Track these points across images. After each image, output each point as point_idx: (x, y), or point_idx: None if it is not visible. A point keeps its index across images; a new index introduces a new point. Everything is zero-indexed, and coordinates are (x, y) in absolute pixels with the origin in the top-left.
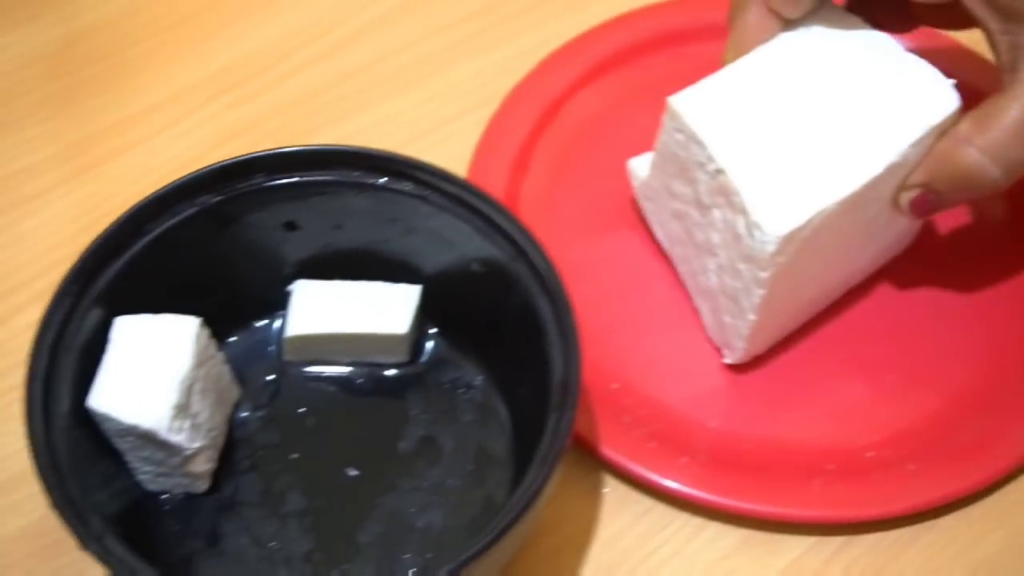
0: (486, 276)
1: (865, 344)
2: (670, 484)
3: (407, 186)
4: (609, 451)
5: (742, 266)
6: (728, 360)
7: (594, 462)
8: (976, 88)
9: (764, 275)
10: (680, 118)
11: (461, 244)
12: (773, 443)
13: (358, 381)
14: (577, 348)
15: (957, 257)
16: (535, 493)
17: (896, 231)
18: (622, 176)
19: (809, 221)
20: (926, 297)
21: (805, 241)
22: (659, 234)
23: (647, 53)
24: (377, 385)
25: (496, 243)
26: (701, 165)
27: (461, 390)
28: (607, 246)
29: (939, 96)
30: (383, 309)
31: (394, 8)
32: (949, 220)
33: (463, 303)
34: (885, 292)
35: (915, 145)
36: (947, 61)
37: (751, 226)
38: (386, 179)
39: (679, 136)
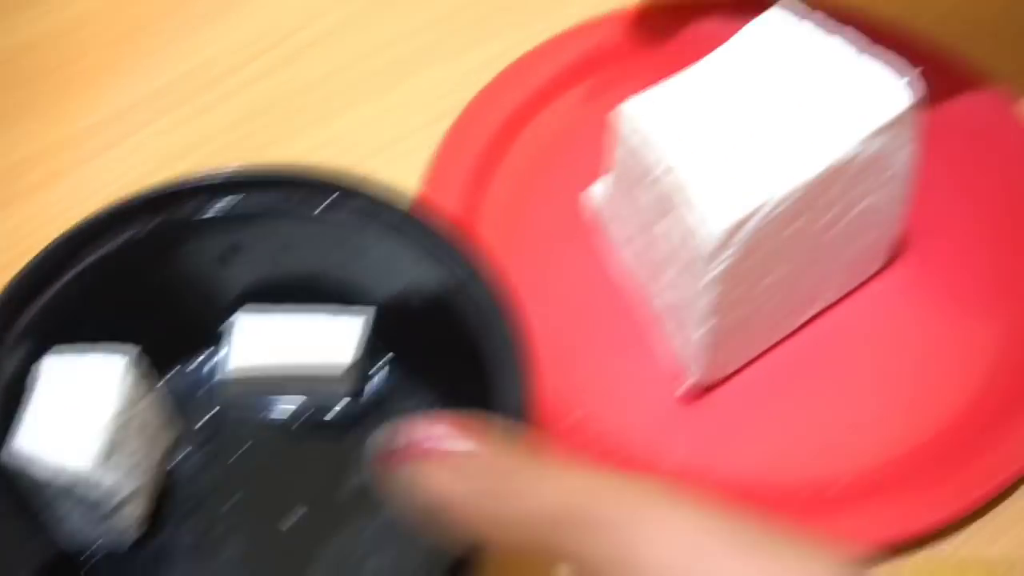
0: (438, 303)
1: (835, 370)
2: None
3: (353, 209)
4: None
5: (690, 271)
6: (689, 384)
7: None
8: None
9: (713, 273)
10: (632, 122)
11: (411, 270)
12: (735, 478)
13: (305, 416)
14: (528, 383)
15: (936, 278)
16: None
17: (864, 246)
18: (586, 192)
19: (753, 213)
20: (902, 320)
21: (752, 237)
22: (623, 253)
23: (622, 58)
24: (325, 420)
25: (446, 269)
26: (654, 168)
27: None
28: (569, 268)
29: (893, 93)
30: (328, 340)
31: (351, 17)
32: (927, 238)
33: (417, 330)
34: (859, 314)
35: (866, 142)
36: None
37: (697, 221)
38: (331, 201)
39: (632, 142)
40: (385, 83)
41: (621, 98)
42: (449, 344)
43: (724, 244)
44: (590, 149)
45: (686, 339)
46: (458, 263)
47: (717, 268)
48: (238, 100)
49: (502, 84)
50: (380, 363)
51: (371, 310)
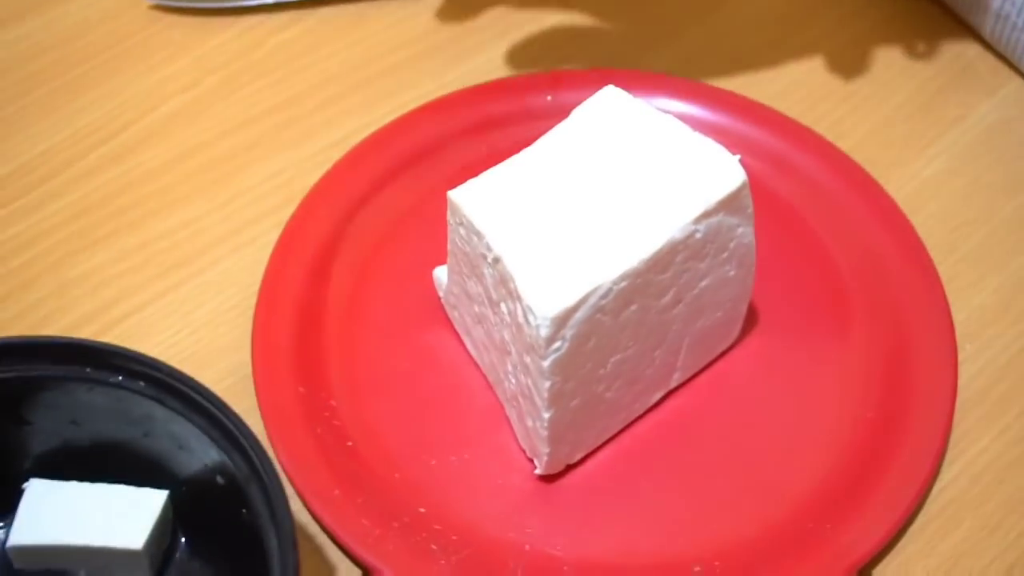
0: (227, 490)
1: (686, 450)
2: None
3: (141, 386)
4: None
5: (528, 359)
6: (539, 471)
7: None
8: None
9: (545, 364)
10: (459, 211)
11: (201, 453)
12: (592, 565)
13: None
14: None
15: (786, 354)
16: None
17: (711, 325)
18: (431, 279)
19: (582, 301)
20: (755, 397)
21: (584, 325)
22: (467, 343)
23: (461, 139)
24: None
25: (232, 457)
26: (484, 257)
27: None
28: (419, 355)
29: (724, 172)
30: (120, 519)
31: (187, 106)
32: (777, 312)
33: (213, 515)
34: (710, 392)
35: (698, 221)
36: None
37: (526, 311)
38: (121, 377)
39: (462, 230)
40: (227, 171)
41: (464, 176)
42: (241, 535)
43: (554, 334)
44: (437, 229)
45: (526, 428)
46: (244, 454)
47: (550, 358)
48: (73, 193)
49: (345, 168)
50: (183, 543)
51: (164, 494)
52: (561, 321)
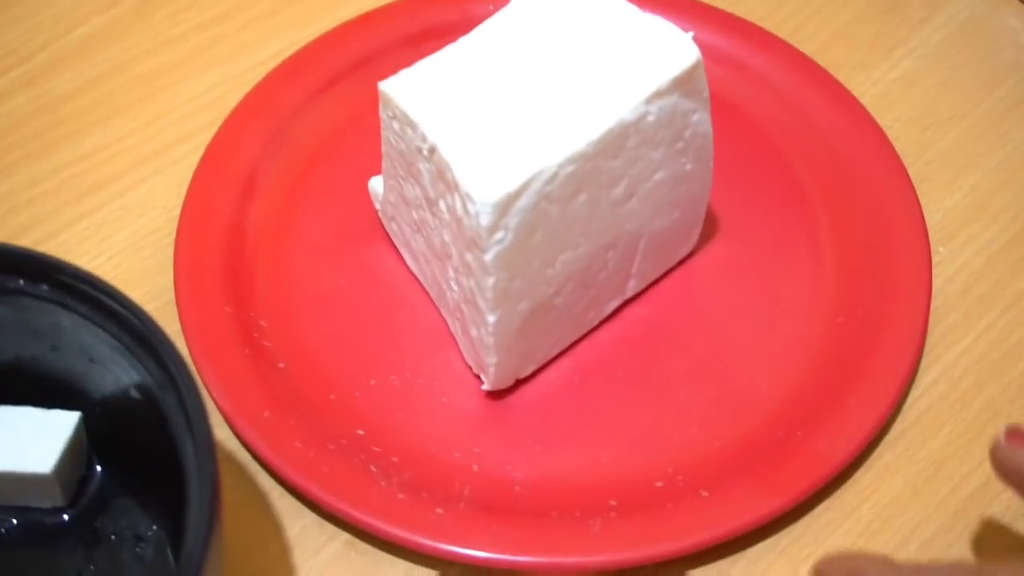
0: (144, 405)
1: (648, 361)
2: (421, 540)
3: (45, 290)
4: (351, 509)
5: (469, 256)
6: (486, 386)
7: (343, 523)
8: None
9: (487, 257)
10: (392, 102)
11: (113, 366)
12: (547, 483)
13: (5, 529)
14: (215, 514)
15: (749, 261)
16: None
17: (667, 226)
18: (367, 193)
19: (525, 185)
20: (719, 305)
21: (529, 214)
22: (407, 257)
23: (399, 51)
24: (29, 534)
25: (146, 366)
26: (419, 151)
27: (130, 543)
28: (355, 273)
29: (676, 50)
30: (29, 443)
31: (106, 26)
32: (739, 219)
33: (130, 436)
34: (671, 301)
35: (650, 101)
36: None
37: (464, 200)
38: (23, 282)
39: (396, 124)
40: (150, 91)
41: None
42: (159, 453)
43: (495, 223)
44: (374, 143)
45: (471, 339)
46: (158, 361)
47: (492, 250)
48: None
49: (275, 81)
50: (99, 469)
51: (76, 415)
52: (503, 208)
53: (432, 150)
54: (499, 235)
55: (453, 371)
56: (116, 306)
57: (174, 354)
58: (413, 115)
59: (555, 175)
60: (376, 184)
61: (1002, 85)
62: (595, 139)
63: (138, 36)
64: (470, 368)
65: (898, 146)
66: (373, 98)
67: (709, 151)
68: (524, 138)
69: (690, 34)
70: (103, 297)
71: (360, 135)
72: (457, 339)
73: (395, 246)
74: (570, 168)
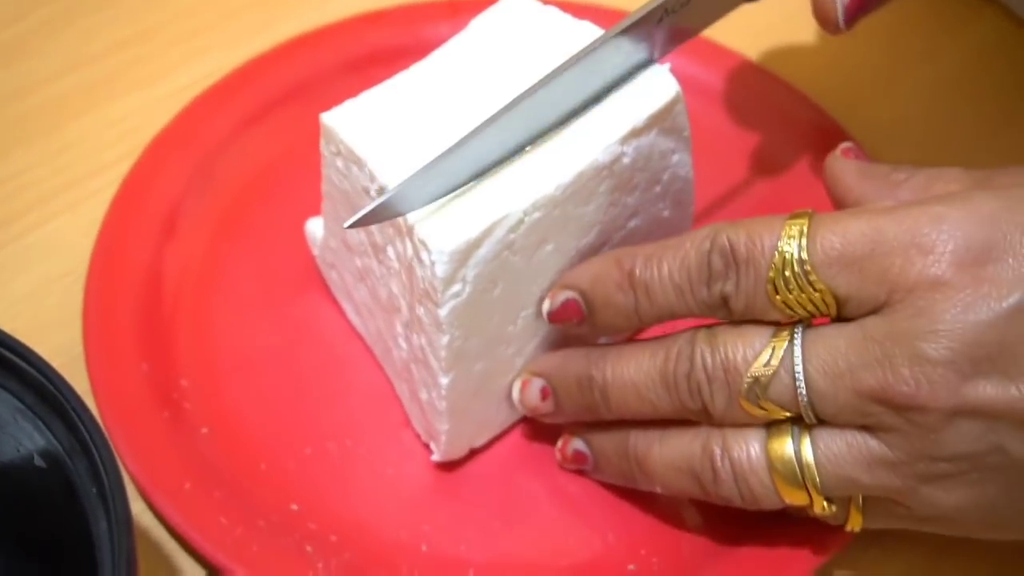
0: (50, 475)
1: None
2: None
3: None
4: None
5: (421, 310)
6: (437, 456)
7: None
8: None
9: (442, 312)
10: (335, 136)
11: (14, 430)
12: (505, 566)
13: None
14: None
15: None
16: None
17: None
18: (303, 237)
19: (486, 233)
20: None
21: (490, 265)
22: (348, 309)
23: (342, 76)
24: None
25: (53, 430)
26: (366, 191)
27: None
28: (289, 327)
29: (653, 84)
30: None
31: (8, 43)
32: None
33: (32, 512)
34: None
35: (625, 141)
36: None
37: (418, 247)
38: None
39: (339, 162)
40: (57, 119)
41: None
42: (64, 526)
43: (452, 274)
44: (308, 180)
45: (420, 403)
46: (68, 423)
47: (447, 305)
48: None
49: (200, 109)
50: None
51: None
52: (461, 257)
53: (381, 191)
54: (456, 288)
55: (399, 439)
56: (19, 361)
57: (87, 416)
58: (359, 152)
59: (520, 222)
60: (314, 227)
61: None
62: (565, 183)
63: (46, 55)
64: (419, 436)
65: None
66: (313, 130)
67: (689, 195)
68: (485, 180)
69: (667, 66)
70: (3, 351)
71: (296, 171)
72: (404, 403)
73: (334, 297)
74: (536, 215)
